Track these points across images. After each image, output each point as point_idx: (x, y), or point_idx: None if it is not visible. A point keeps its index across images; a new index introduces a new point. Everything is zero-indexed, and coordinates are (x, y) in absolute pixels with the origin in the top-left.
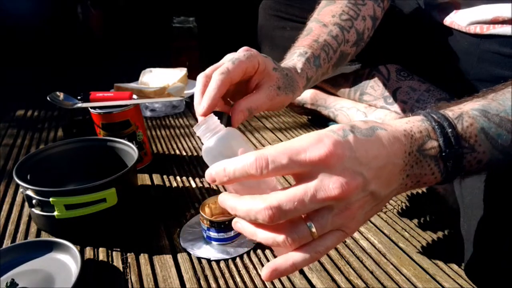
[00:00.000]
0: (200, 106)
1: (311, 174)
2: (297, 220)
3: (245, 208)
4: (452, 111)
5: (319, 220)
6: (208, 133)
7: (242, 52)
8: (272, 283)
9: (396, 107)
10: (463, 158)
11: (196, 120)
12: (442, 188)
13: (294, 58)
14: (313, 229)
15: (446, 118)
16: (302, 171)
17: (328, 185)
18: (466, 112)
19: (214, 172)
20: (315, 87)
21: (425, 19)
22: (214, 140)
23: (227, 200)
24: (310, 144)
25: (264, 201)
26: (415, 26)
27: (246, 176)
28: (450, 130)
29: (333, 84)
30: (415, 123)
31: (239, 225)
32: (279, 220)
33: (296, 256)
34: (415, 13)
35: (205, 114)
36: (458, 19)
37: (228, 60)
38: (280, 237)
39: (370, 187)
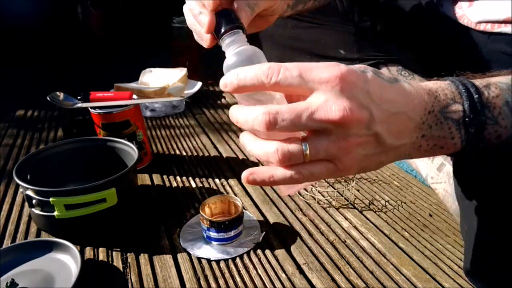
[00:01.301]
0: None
1: (317, 93)
2: (293, 138)
3: (245, 115)
4: (479, 80)
5: (314, 142)
6: (234, 45)
7: None
8: (272, 283)
9: None
10: (485, 128)
11: (197, 120)
12: (442, 189)
13: None
14: (307, 151)
15: (474, 84)
16: (309, 88)
17: (331, 107)
18: (494, 83)
19: (228, 78)
20: None
21: (429, 17)
22: (238, 55)
23: (233, 111)
24: (325, 65)
25: (264, 108)
26: (418, 25)
27: (256, 84)
28: (476, 96)
29: None
30: (441, 85)
31: (242, 137)
32: (274, 127)
33: (277, 171)
34: (417, 12)
35: (214, 9)
36: (470, 14)
37: None
38: (271, 148)
39: (376, 127)
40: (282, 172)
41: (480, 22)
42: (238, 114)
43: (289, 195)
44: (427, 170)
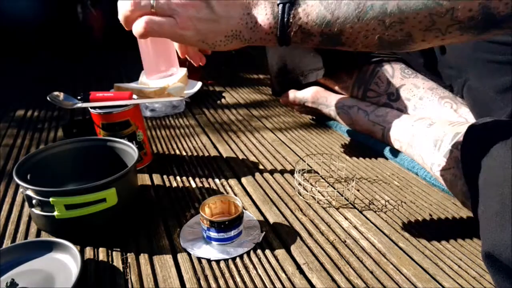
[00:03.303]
0: None
1: None
2: None
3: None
4: None
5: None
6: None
7: None
8: (272, 283)
9: (399, 105)
10: (294, 9)
11: (197, 120)
12: (450, 174)
13: None
14: (154, 3)
15: None
16: None
17: None
18: None
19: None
20: (317, 84)
21: None
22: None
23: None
24: None
25: None
26: None
27: None
28: None
29: (336, 81)
30: None
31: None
32: None
33: (138, 21)
34: None
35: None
36: None
37: None
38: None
39: None
40: (139, 21)
41: None
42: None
43: (289, 195)
44: (433, 159)
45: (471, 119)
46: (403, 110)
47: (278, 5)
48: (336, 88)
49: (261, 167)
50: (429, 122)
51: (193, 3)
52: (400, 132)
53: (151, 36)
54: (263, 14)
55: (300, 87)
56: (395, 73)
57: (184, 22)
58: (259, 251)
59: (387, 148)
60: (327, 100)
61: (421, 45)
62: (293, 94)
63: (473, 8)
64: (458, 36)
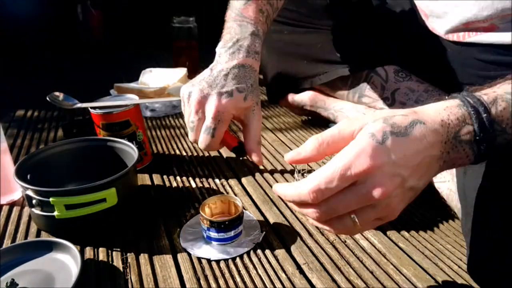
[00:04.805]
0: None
1: (356, 183)
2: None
3: (293, 193)
4: (486, 95)
5: (362, 215)
6: None
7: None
8: (272, 283)
9: (395, 109)
10: (495, 141)
11: None
12: (446, 188)
13: (248, 38)
14: (357, 221)
15: (482, 102)
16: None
17: (371, 191)
18: (501, 96)
19: (278, 190)
20: (314, 88)
21: (415, 21)
22: None
23: (278, 188)
24: (353, 159)
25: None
26: (407, 28)
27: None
28: (485, 115)
29: (331, 88)
30: (453, 109)
31: (291, 204)
32: (322, 198)
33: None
34: (406, 15)
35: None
36: (437, 26)
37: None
38: (327, 228)
39: (408, 183)
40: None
41: (447, 33)
42: (286, 192)
43: None
44: None
45: None
46: None
47: (480, 146)
48: (332, 94)
49: (261, 167)
50: None
51: (399, 199)
52: None
53: None
54: (464, 158)
55: (296, 91)
56: (389, 77)
57: (394, 216)
58: (259, 251)
59: None
60: (325, 103)
61: None
62: (292, 97)
63: None
64: None
